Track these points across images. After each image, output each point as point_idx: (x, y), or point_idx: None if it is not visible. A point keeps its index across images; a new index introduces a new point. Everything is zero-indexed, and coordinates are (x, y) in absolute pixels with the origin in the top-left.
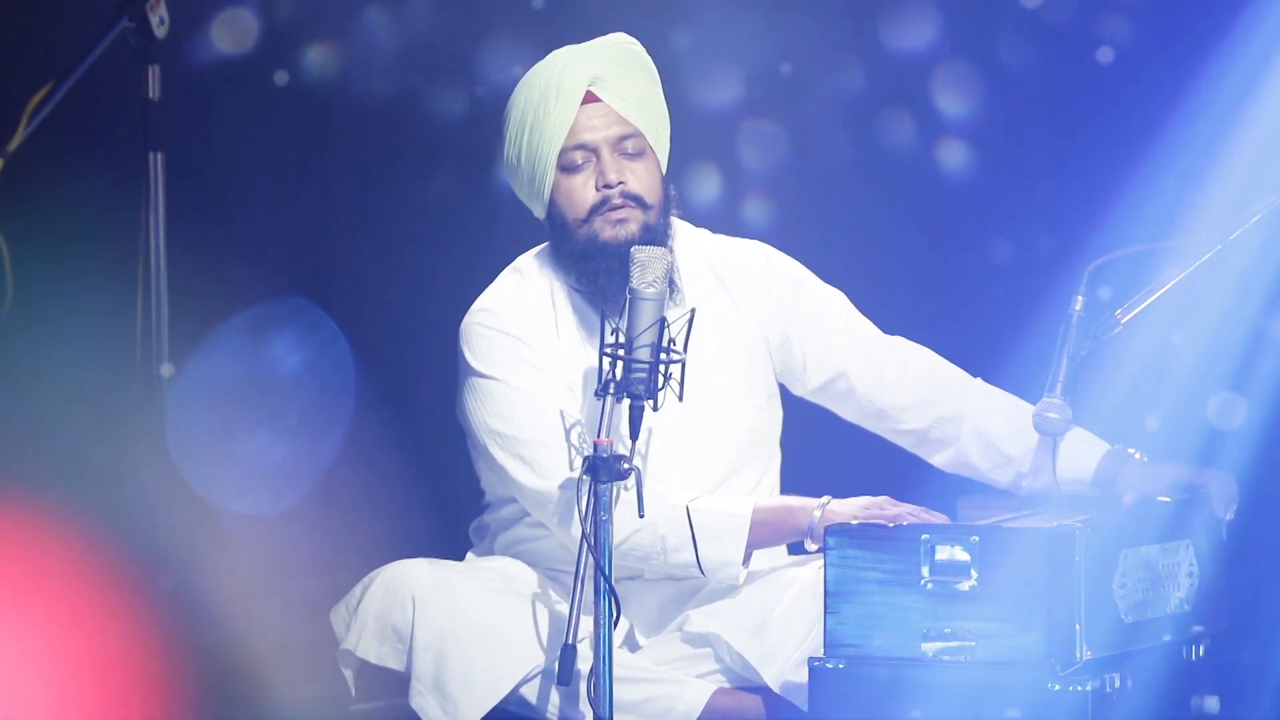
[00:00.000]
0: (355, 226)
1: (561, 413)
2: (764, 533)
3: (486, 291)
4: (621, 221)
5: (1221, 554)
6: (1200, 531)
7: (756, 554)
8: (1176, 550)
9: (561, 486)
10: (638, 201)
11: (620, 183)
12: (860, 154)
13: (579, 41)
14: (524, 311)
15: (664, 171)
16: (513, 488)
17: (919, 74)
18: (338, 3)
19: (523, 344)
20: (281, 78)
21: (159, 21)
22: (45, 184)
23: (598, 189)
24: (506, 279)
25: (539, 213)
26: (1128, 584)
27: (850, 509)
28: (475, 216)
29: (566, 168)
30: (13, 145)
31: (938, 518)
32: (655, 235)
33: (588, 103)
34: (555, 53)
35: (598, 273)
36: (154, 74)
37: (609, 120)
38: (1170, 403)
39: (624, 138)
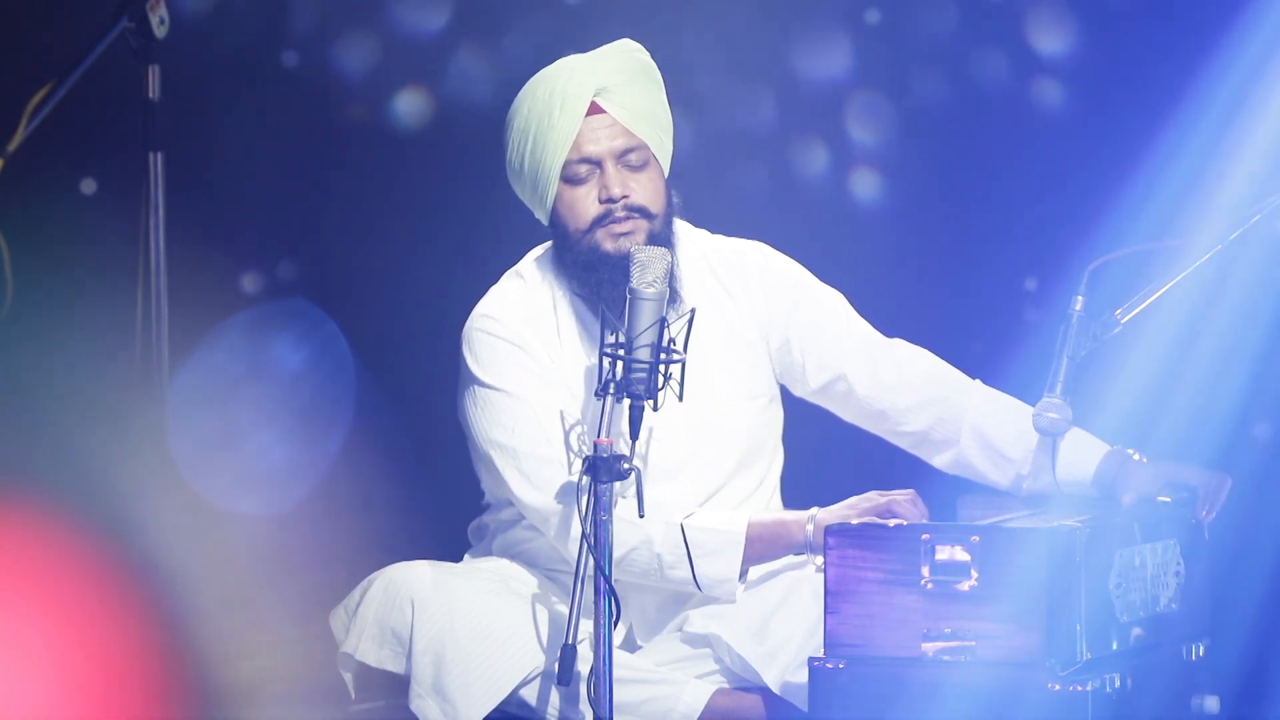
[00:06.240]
0: (356, 226)
1: (563, 423)
2: (759, 548)
3: (488, 296)
4: (627, 234)
5: (1204, 553)
6: (1185, 531)
7: None
8: (1165, 550)
9: (559, 501)
10: (642, 213)
11: (624, 196)
12: (858, 154)
13: (587, 42)
14: (526, 318)
15: (666, 176)
16: (512, 498)
17: (926, 72)
18: (337, 1)
19: (525, 352)
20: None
21: (159, 21)
22: (45, 184)
23: (600, 201)
24: (508, 283)
25: (542, 218)
26: (1122, 584)
27: (840, 512)
28: (476, 216)
29: (570, 179)
30: (13, 145)
31: (916, 512)
32: (659, 243)
33: (592, 114)
34: (560, 61)
35: (600, 283)
36: (154, 74)
37: (613, 132)
38: (1171, 403)
39: (628, 150)
